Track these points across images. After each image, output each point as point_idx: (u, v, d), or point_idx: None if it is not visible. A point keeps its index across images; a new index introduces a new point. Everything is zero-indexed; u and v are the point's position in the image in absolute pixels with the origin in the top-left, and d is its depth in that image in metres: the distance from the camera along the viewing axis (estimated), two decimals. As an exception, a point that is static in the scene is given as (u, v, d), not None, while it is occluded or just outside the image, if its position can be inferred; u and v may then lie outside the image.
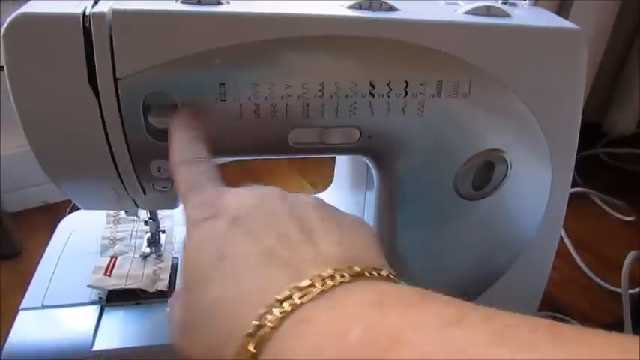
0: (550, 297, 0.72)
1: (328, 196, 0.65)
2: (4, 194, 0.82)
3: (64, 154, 0.37)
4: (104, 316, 0.48)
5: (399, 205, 0.45)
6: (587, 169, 1.00)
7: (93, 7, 0.33)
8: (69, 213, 0.62)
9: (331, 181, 0.67)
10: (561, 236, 0.84)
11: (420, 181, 0.43)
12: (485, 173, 0.43)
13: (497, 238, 0.48)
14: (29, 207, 0.92)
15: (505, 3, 0.45)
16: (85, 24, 0.33)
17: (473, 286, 0.50)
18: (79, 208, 0.62)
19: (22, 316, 0.47)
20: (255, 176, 0.98)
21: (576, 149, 0.47)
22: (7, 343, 0.45)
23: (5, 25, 0.32)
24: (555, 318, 0.68)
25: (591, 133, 1.03)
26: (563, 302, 0.72)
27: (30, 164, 0.95)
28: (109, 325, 0.47)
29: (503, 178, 0.43)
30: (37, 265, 0.54)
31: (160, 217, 0.55)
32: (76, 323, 0.47)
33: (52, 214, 0.91)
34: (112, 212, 0.58)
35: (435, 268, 0.48)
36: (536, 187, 0.45)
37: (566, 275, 0.78)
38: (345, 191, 0.59)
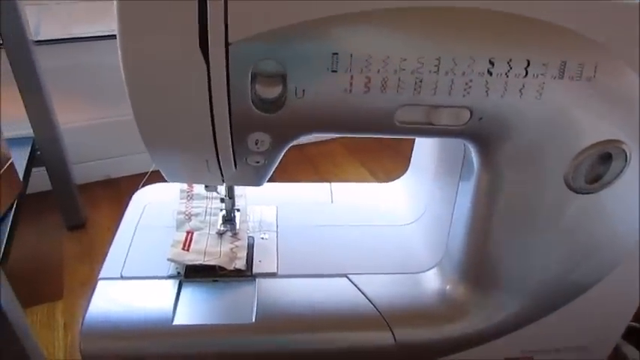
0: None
1: (403, 184, 0.63)
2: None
3: (165, 119, 0.36)
4: (182, 292, 0.47)
5: (499, 195, 0.42)
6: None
7: (208, -33, 0.32)
8: (142, 187, 0.62)
9: (399, 170, 0.65)
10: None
11: (528, 170, 0.40)
12: (601, 166, 0.39)
13: (600, 241, 0.44)
14: (92, 180, 0.93)
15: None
16: (200, -15, 0.31)
17: (563, 291, 0.47)
18: (150, 182, 0.63)
19: (101, 285, 0.47)
20: (316, 164, 0.97)
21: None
22: (87, 312, 0.44)
23: (120, -17, 0.31)
24: None
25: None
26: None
27: (94, 138, 0.96)
28: (188, 301, 0.46)
29: (620, 172, 0.40)
30: (111, 239, 0.54)
31: (235, 196, 0.54)
32: (156, 297, 0.46)
33: (115, 188, 0.92)
34: (185, 187, 0.58)
35: (526, 265, 0.45)
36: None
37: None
38: (426, 179, 0.56)
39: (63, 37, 0.81)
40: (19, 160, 0.68)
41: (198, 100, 0.35)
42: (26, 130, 0.74)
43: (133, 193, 0.60)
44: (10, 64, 0.69)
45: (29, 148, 0.70)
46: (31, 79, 0.69)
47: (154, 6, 0.32)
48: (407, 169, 0.63)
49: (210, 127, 0.36)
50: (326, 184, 0.63)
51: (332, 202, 0.60)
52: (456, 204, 0.47)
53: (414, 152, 0.61)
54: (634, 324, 0.64)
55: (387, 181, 0.65)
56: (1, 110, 0.72)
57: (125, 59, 0.33)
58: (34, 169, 0.73)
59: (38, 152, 0.72)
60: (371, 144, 1.04)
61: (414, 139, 0.61)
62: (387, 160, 0.87)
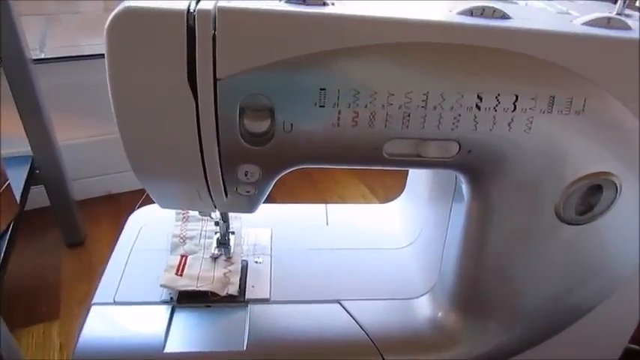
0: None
1: (398, 206, 0.63)
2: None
3: (154, 151, 0.36)
4: (175, 317, 0.47)
5: (489, 224, 0.42)
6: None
7: (197, 3, 0.32)
8: (138, 207, 0.62)
9: (398, 190, 0.65)
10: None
11: (519, 201, 0.40)
12: (592, 197, 0.39)
13: (592, 271, 0.44)
14: (92, 196, 0.94)
15: (621, 14, 0.41)
16: (189, 21, 0.32)
17: (554, 320, 0.47)
18: (147, 203, 0.63)
19: (94, 310, 0.47)
20: (315, 180, 0.97)
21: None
22: (80, 337, 0.44)
23: (110, 18, 0.32)
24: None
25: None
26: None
27: (94, 154, 0.97)
28: (180, 327, 0.46)
29: (610, 204, 0.40)
30: (107, 259, 0.54)
31: (229, 219, 0.54)
32: (148, 323, 0.46)
33: (115, 204, 0.92)
34: (181, 210, 0.58)
35: (518, 293, 0.45)
36: (644, 218, 0.42)
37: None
38: (421, 202, 0.56)
39: (62, 55, 0.82)
40: (18, 178, 0.68)
41: (187, 133, 0.35)
42: (26, 146, 0.75)
43: (133, 211, 0.61)
44: (9, 83, 0.70)
45: (28, 167, 0.70)
46: (29, 98, 0.70)
47: (143, 40, 0.32)
48: (403, 189, 0.63)
49: (200, 159, 0.36)
50: (321, 206, 0.63)
51: (327, 224, 0.60)
52: (448, 229, 0.47)
53: (409, 174, 0.61)
54: (632, 346, 0.63)
55: (385, 198, 0.65)
56: (0, 130, 0.72)
57: (114, 91, 0.34)
58: (32, 187, 0.73)
59: (37, 171, 0.73)
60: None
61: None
62: (387, 177, 0.87)
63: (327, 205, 0.63)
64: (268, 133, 0.35)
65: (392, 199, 0.65)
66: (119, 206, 0.89)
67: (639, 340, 0.63)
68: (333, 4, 0.34)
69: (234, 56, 0.32)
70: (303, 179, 0.96)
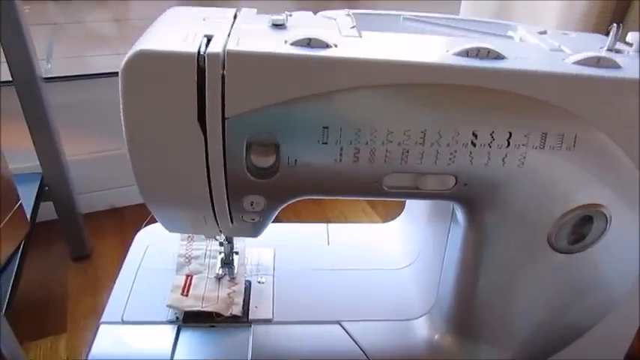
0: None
1: (398, 225, 0.65)
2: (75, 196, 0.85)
3: (164, 182, 0.38)
4: (180, 337, 0.48)
5: (485, 251, 0.44)
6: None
7: (207, 46, 0.34)
8: (144, 226, 0.64)
9: (399, 209, 0.66)
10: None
11: (512, 230, 0.42)
12: (583, 227, 0.41)
13: (582, 299, 0.46)
14: (97, 209, 0.96)
15: (611, 50, 0.43)
16: (200, 63, 0.33)
17: (546, 344, 0.49)
18: (153, 220, 0.65)
19: (103, 329, 0.49)
20: (323, 202, 0.99)
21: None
22: (90, 355, 0.46)
23: (124, 61, 0.34)
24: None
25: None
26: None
27: (99, 169, 0.99)
28: (186, 346, 0.48)
29: (601, 234, 0.41)
30: (114, 274, 0.56)
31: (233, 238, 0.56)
32: (155, 341, 0.48)
33: (119, 217, 0.94)
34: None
35: (511, 319, 0.47)
36: (634, 249, 0.43)
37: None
38: (420, 223, 0.58)
39: (71, 74, 0.85)
40: (29, 195, 0.70)
41: (196, 167, 0.37)
42: (34, 160, 0.77)
43: (137, 227, 0.62)
44: (20, 101, 0.71)
45: (38, 184, 0.72)
46: (39, 116, 0.71)
47: (155, 81, 0.34)
48: (403, 208, 0.65)
49: (208, 190, 0.38)
50: (323, 225, 0.65)
51: (328, 244, 0.62)
52: (446, 252, 0.49)
53: (408, 195, 0.63)
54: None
55: (385, 214, 0.66)
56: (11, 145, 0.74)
57: (128, 127, 0.35)
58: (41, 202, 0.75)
59: (46, 188, 0.74)
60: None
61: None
62: (397, 202, 0.89)
63: (329, 224, 0.65)
64: (274, 167, 0.37)
65: (392, 215, 0.67)
66: (123, 219, 0.90)
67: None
68: (335, 45, 0.36)
69: (242, 96, 0.34)
70: (313, 200, 0.97)
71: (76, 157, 0.87)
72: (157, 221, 0.63)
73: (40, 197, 0.71)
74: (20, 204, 0.59)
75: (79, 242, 0.82)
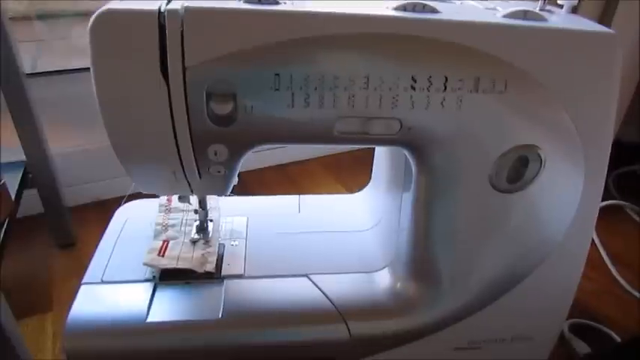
0: (586, 307, 0.73)
1: (363, 195, 0.68)
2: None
3: (135, 138, 0.41)
4: (157, 293, 0.51)
5: (435, 197, 0.47)
6: (625, 185, 1.00)
7: (167, 4, 0.38)
8: (124, 203, 0.67)
9: (367, 183, 0.70)
10: (597, 248, 0.84)
11: (457, 173, 0.45)
12: (520, 168, 0.45)
13: (525, 236, 0.49)
14: (82, 202, 0.98)
15: (543, 10, 0.47)
16: (160, 20, 0.37)
17: (498, 283, 0.52)
18: (133, 199, 0.68)
19: (83, 289, 0.52)
20: (296, 181, 1.02)
21: (609, 153, 0.48)
22: (70, 312, 0.49)
23: (92, 18, 0.37)
24: (589, 327, 0.68)
25: (631, 151, 1.03)
26: (600, 313, 0.72)
27: (84, 162, 1.02)
28: (162, 301, 0.51)
29: (537, 174, 0.45)
30: (94, 250, 0.58)
31: (208, 208, 0.59)
32: (132, 298, 0.51)
33: (104, 209, 0.97)
34: (164, 202, 0.63)
35: (463, 261, 0.50)
36: (568, 189, 0.47)
37: (602, 287, 0.79)
38: (382, 190, 0.61)
39: (55, 69, 0.88)
40: (12, 180, 0.73)
41: (161, 118, 0.40)
42: (21, 156, 0.80)
43: (119, 206, 0.66)
44: (5, 97, 0.75)
45: (21, 171, 0.75)
46: (23, 110, 0.74)
47: (121, 37, 0.37)
48: (369, 181, 0.69)
49: (174, 142, 0.42)
50: (295, 196, 0.68)
51: (299, 212, 0.66)
52: (401, 212, 0.52)
53: (373, 166, 0.67)
54: (582, 320, 0.68)
55: (353, 188, 0.70)
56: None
57: (97, 82, 0.39)
58: (26, 192, 0.78)
59: (30, 175, 0.77)
60: (345, 160, 1.11)
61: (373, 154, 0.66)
62: (359, 174, 0.93)
63: (300, 196, 0.69)
64: (232, 115, 0.40)
65: (359, 187, 0.70)
66: (108, 211, 0.93)
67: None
68: (285, 3, 0.40)
69: (199, 48, 0.38)
70: (285, 182, 1.01)
71: (62, 149, 0.90)
72: (135, 198, 0.67)
73: (23, 183, 0.74)
74: (4, 182, 0.62)
75: (64, 231, 0.85)
